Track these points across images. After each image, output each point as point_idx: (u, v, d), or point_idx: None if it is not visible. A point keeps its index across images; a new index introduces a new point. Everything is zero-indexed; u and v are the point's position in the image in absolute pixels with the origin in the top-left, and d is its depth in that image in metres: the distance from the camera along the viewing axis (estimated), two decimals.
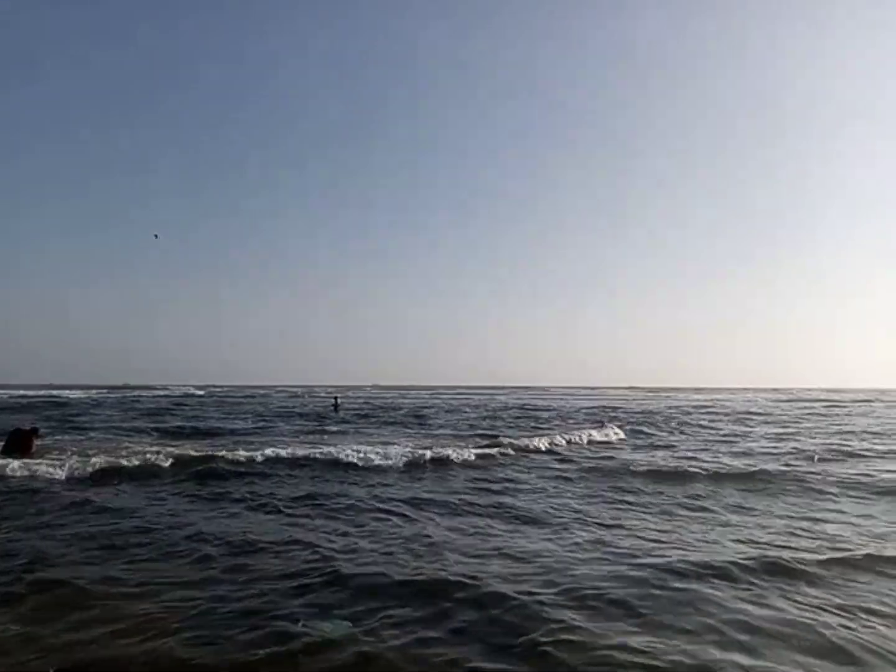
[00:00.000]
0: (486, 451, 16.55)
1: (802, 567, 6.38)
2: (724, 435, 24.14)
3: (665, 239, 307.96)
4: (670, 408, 48.51)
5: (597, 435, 21.90)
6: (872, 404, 57.57)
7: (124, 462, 13.37)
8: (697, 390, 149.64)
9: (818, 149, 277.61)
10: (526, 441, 18.89)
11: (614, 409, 46.18)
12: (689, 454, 17.16)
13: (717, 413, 40.80)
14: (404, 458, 14.63)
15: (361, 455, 14.77)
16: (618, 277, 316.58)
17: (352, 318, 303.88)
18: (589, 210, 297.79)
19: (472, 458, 15.46)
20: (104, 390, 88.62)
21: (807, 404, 57.78)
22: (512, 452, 16.90)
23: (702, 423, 31.43)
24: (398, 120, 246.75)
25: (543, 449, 18.00)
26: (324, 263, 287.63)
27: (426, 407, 46.60)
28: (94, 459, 13.35)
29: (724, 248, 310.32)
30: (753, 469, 13.88)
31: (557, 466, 14.74)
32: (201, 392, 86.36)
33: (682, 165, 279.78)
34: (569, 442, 19.83)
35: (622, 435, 23.06)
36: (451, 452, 15.62)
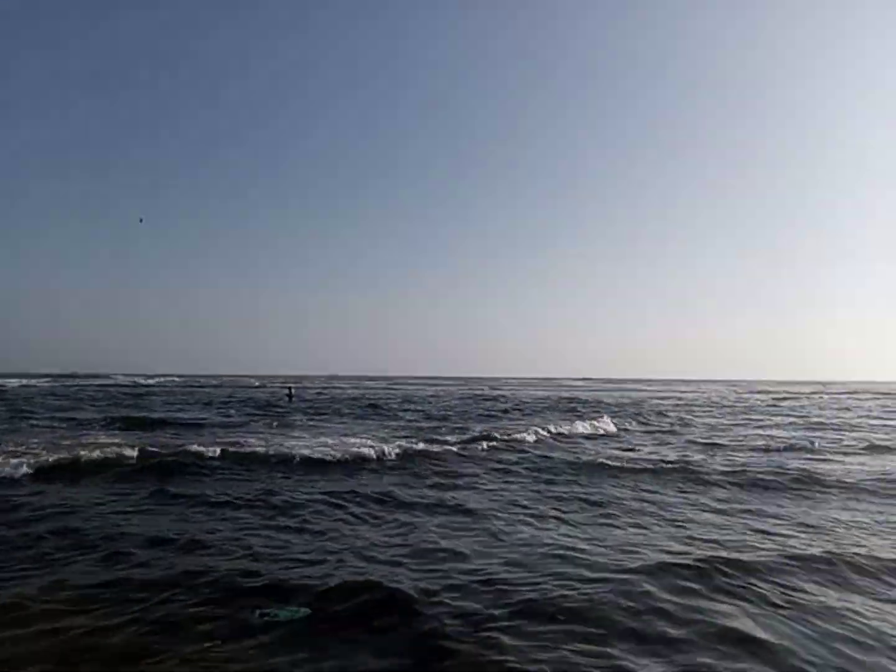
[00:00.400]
0: (440, 446, 16.03)
1: (739, 562, 6.30)
2: (687, 427, 24.56)
3: (617, 235, 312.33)
4: (630, 399, 49.32)
5: (569, 428, 21.33)
6: (823, 396, 59.89)
7: (67, 456, 12.57)
8: (649, 381, 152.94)
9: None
10: (490, 432, 18.72)
11: (572, 399, 46.54)
12: (655, 448, 17.34)
13: (678, 405, 41.61)
14: (358, 452, 13.99)
15: (313, 449, 14.23)
16: (574, 272, 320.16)
17: (309, 309, 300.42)
18: (548, 203, 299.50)
19: (428, 451, 14.91)
20: (48, 379, 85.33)
21: (759, 396, 59.54)
22: (471, 446, 16.19)
23: (665, 413, 32.16)
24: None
25: (509, 440, 17.48)
26: (281, 255, 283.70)
27: (383, 398, 46.06)
28: (33, 454, 12.63)
29: (672, 248, 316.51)
30: (712, 464, 14.06)
31: (510, 459, 14.53)
32: (152, 381, 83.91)
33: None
34: (549, 433, 19.61)
35: (610, 428, 22.47)
36: (408, 445, 15.25)
